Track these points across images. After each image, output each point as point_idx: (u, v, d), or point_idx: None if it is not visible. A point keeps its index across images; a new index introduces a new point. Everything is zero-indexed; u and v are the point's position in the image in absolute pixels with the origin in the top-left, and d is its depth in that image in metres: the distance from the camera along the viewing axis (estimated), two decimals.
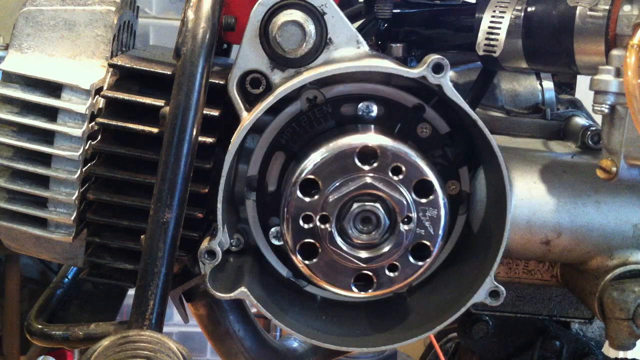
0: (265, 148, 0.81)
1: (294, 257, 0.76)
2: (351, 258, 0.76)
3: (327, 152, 0.74)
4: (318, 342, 0.79)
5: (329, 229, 0.75)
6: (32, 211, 0.82)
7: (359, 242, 0.76)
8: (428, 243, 0.76)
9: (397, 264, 0.76)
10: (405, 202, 0.75)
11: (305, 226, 0.75)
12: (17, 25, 0.84)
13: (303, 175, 0.74)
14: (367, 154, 0.74)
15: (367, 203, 0.75)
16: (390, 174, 0.74)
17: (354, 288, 0.77)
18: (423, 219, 0.75)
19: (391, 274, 0.77)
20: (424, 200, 0.75)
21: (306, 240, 0.75)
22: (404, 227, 0.75)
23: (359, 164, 0.74)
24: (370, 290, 0.77)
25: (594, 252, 0.83)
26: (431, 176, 0.75)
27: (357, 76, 0.78)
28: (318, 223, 0.75)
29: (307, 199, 0.74)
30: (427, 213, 0.75)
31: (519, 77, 1.01)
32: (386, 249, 0.76)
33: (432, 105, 0.80)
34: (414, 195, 0.75)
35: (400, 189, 0.74)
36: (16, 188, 0.82)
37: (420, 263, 0.77)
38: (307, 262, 0.76)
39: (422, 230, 0.75)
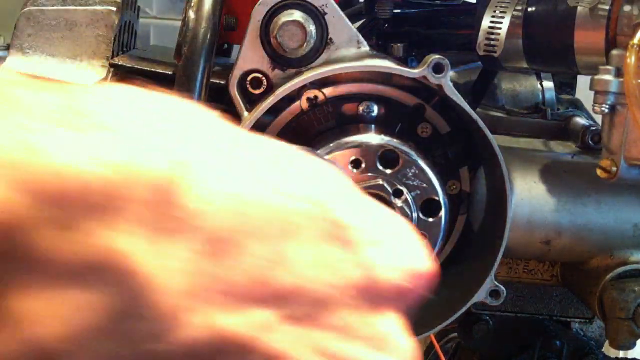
0: None
1: None
2: None
3: (327, 151, 0.74)
4: None
5: None
6: None
7: None
8: (432, 197, 0.75)
9: (421, 231, 0.75)
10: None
11: None
12: (18, 26, 0.84)
13: None
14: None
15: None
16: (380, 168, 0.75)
17: None
18: (411, 184, 0.75)
19: None
20: None
21: None
22: (398, 202, 0.74)
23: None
24: None
25: (594, 252, 0.83)
26: (432, 176, 0.75)
27: (358, 76, 0.78)
28: None
29: None
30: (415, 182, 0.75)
31: (519, 77, 1.01)
32: None
33: (433, 105, 0.80)
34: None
35: (401, 188, 0.75)
36: None
37: (431, 219, 0.76)
38: None
39: (418, 190, 0.75)
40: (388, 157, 0.74)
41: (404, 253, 0.34)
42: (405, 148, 0.75)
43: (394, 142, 0.75)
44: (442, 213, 0.76)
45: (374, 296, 0.32)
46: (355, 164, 0.74)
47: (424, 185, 0.75)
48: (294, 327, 0.29)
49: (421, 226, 0.75)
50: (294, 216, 0.30)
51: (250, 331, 0.28)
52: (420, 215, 0.75)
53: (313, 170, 0.34)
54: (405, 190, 0.75)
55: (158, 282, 0.26)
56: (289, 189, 0.31)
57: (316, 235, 0.30)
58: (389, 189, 0.74)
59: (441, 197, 0.76)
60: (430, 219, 0.76)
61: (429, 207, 0.75)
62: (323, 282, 0.30)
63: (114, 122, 0.27)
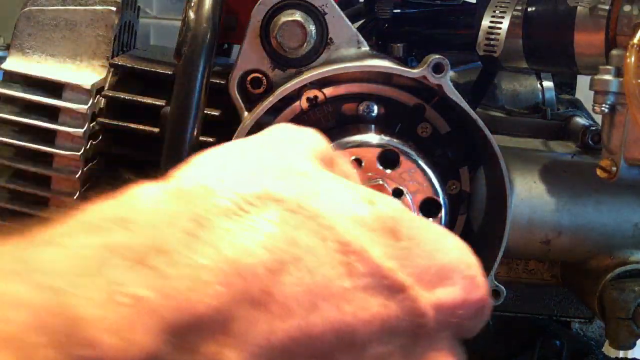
0: None
1: None
2: None
3: None
4: None
5: None
6: (33, 211, 0.82)
7: None
8: (432, 197, 0.75)
9: None
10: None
11: None
12: (18, 26, 0.84)
13: None
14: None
15: None
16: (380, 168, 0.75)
17: None
18: (411, 184, 0.74)
19: None
20: None
21: None
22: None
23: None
24: None
25: (594, 252, 0.83)
26: (432, 176, 0.75)
27: (358, 76, 0.78)
28: None
29: None
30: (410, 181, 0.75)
31: (519, 77, 1.01)
32: None
33: (433, 105, 0.80)
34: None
35: (401, 188, 0.75)
36: (18, 188, 0.82)
37: (431, 220, 0.76)
38: None
39: (418, 190, 0.75)
40: (388, 157, 0.74)
41: (455, 283, 0.38)
42: (405, 148, 0.75)
43: (394, 142, 0.75)
44: (442, 213, 0.76)
45: (422, 334, 0.37)
46: (356, 163, 0.74)
47: (424, 185, 0.75)
48: None
49: None
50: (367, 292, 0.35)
51: None
52: (420, 215, 0.75)
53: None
54: (405, 190, 0.75)
55: None
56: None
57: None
58: (389, 188, 0.74)
59: (441, 197, 0.76)
60: (430, 220, 0.76)
61: (428, 207, 0.75)
62: (377, 338, 0.35)
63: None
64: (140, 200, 0.34)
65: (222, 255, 0.31)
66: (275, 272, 0.32)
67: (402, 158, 0.74)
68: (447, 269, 0.38)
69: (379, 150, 0.74)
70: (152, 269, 0.30)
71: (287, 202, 0.35)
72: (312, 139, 0.42)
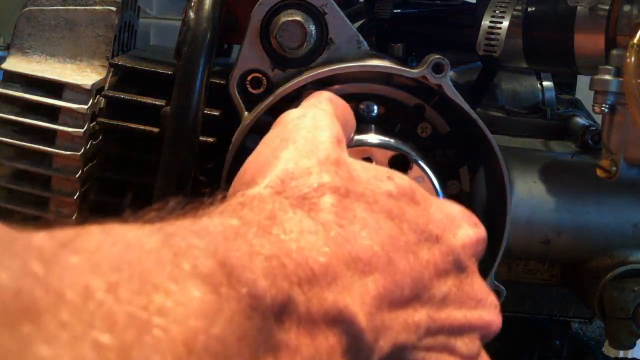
0: None
1: None
2: None
3: None
4: None
5: None
6: (33, 211, 0.82)
7: None
8: None
9: None
10: None
11: None
12: (18, 26, 0.84)
13: None
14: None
15: None
16: None
17: None
18: None
19: None
20: None
21: None
22: None
23: None
24: None
25: (594, 252, 0.83)
26: (432, 176, 0.75)
27: (358, 76, 0.78)
28: None
29: None
30: None
31: (519, 77, 1.01)
32: None
33: (433, 105, 0.80)
34: None
35: None
36: (17, 188, 0.82)
37: None
38: None
39: None
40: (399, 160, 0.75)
41: (467, 227, 0.51)
42: (405, 148, 0.75)
43: (393, 142, 0.75)
44: None
45: (461, 268, 0.48)
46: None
47: (423, 184, 0.75)
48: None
49: None
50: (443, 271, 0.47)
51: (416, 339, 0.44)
52: None
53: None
54: None
55: (365, 324, 0.40)
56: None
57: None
58: None
59: (441, 198, 0.76)
60: None
61: None
62: (438, 278, 0.46)
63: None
64: (248, 195, 0.42)
65: (317, 225, 0.40)
66: (351, 239, 0.41)
67: (401, 157, 0.74)
68: (457, 217, 0.50)
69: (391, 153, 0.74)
70: (273, 235, 0.38)
71: (338, 189, 0.44)
72: (327, 122, 0.51)
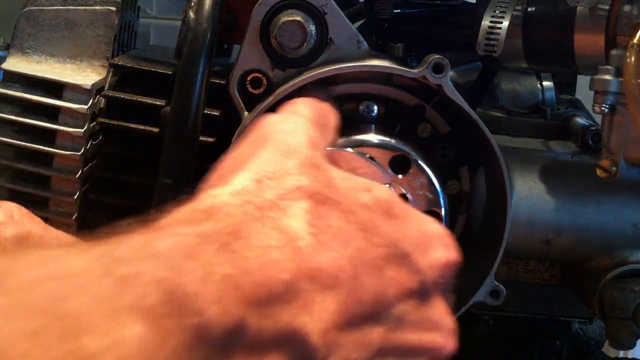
0: None
1: None
2: None
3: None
4: None
5: None
6: (33, 211, 0.82)
7: None
8: (434, 209, 0.75)
9: None
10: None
11: None
12: (18, 26, 0.84)
13: None
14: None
15: None
16: (391, 173, 0.74)
17: None
18: (417, 192, 0.75)
19: None
20: None
21: None
22: None
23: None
24: None
25: (594, 252, 0.83)
26: (432, 175, 0.75)
27: (358, 76, 0.78)
28: None
29: None
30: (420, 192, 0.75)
31: (519, 77, 1.01)
32: None
33: (433, 105, 0.80)
34: None
35: (401, 188, 0.75)
36: (17, 188, 0.82)
37: None
38: None
39: (422, 200, 0.75)
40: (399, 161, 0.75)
41: (439, 248, 0.48)
42: (405, 148, 0.75)
43: (393, 142, 0.75)
44: (442, 214, 0.76)
45: (425, 292, 0.46)
46: None
47: (423, 180, 0.75)
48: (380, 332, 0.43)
49: None
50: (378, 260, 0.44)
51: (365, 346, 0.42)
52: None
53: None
54: (407, 194, 0.75)
55: (317, 343, 0.39)
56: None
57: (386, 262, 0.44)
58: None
59: (441, 198, 0.76)
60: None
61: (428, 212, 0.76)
62: (399, 299, 0.44)
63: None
64: (215, 198, 0.41)
65: (284, 237, 0.39)
66: (319, 250, 0.40)
67: (400, 156, 0.74)
68: (431, 237, 0.48)
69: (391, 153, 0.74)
70: (234, 252, 0.36)
71: (315, 195, 0.43)
72: (304, 127, 0.51)
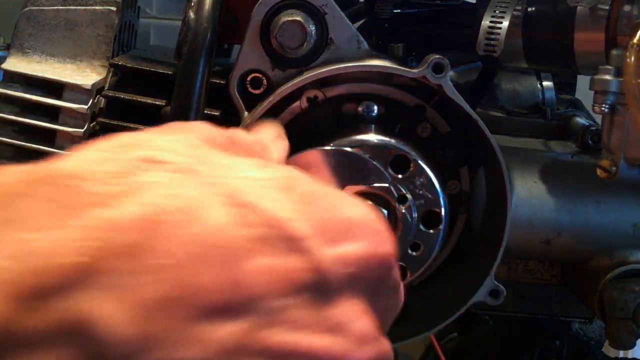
0: None
1: None
2: None
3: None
4: None
5: None
6: None
7: None
8: (434, 209, 0.75)
9: (418, 241, 0.76)
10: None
11: None
12: (19, 25, 0.84)
13: None
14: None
15: (368, 202, 0.75)
16: (391, 173, 0.74)
17: None
18: (417, 193, 0.75)
19: (415, 253, 0.76)
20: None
21: None
22: (401, 207, 0.74)
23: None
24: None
25: (594, 252, 0.83)
26: (432, 175, 0.75)
27: (358, 76, 0.78)
28: None
29: None
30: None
31: (519, 77, 1.01)
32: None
33: (433, 105, 0.80)
34: None
35: (401, 188, 0.75)
36: None
37: (431, 231, 0.76)
38: None
39: (422, 200, 0.75)
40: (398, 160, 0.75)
41: (358, 239, 0.38)
42: (405, 148, 0.75)
43: (393, 142, 0.75)
44: (442, 213, 0.76)
45: (325, 289, 0.36)
46: None
47: (423, 180, 0.75)
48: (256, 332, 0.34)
49: (419, 236, 0.75)
50: (246, 242, 0.34)
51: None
52: (421, 226, 0.76)
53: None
54: (407, 195, 0.75)
55: (119, 335, 0.31)
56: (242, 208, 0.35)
57: (267, 252, 0.35)
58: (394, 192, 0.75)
59: (441, 198, 0.76)
60: (431, 231, 0.76)
61: (429, 216, 0.76)
62: (276, 292, 0.35)
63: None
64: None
65: (94, 214, 0.32)
66: (155, 222, 0.32)
67: (400, 157, 0.74)
68: (350, 223, 0.38)
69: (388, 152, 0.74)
70: (15, 239, 0.30)
71: (173, 164, 0.35)
72: (201, 127, 0.43)
